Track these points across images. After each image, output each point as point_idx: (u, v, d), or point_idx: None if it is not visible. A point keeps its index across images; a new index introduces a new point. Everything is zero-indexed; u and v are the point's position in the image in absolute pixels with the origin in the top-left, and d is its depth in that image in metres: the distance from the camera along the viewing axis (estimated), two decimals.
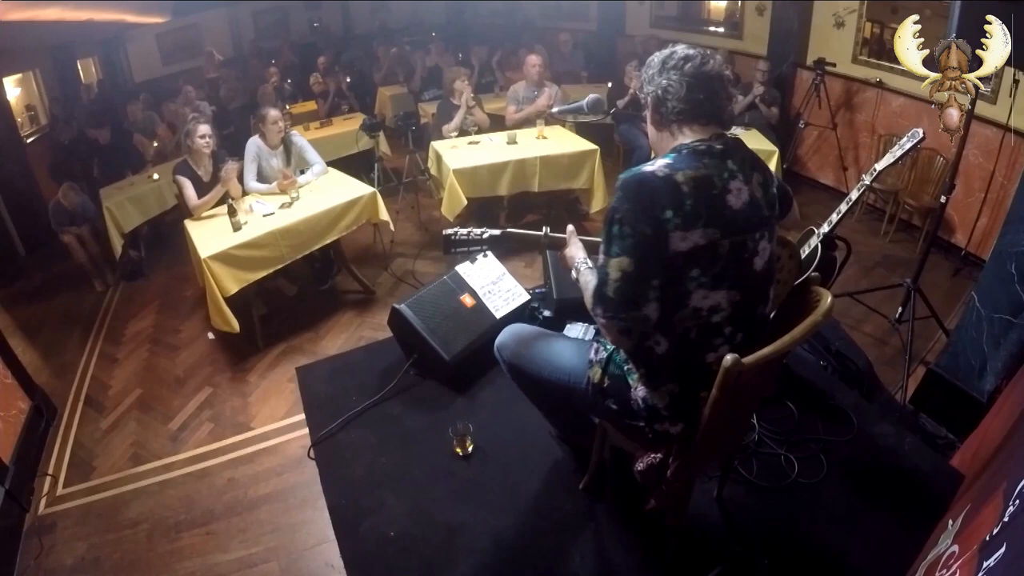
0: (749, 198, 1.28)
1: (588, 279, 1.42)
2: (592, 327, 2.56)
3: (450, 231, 1.77)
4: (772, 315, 1.51)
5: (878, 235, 4.09)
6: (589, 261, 1.52)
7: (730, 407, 1.33)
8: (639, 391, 1.42)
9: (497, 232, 1.76)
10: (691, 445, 1.43)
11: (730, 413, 1.38)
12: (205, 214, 3.25)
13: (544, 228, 1.74)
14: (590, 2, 7.13)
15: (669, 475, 1.47)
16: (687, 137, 1.32)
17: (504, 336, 1.84)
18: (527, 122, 4.37)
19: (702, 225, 1.22)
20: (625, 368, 1.46)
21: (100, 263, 4.26)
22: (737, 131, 4.35)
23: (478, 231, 1.75)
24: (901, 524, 1.84)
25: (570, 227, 1.67)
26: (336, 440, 2.42)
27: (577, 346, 1.68)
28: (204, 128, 3.29)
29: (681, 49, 1.31)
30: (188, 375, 3.12)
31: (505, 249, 3.77)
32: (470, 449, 2.22)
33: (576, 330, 2.66)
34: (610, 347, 1.51)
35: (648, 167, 1.25)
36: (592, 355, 1.56)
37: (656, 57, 1.34)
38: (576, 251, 1.58)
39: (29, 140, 5.42)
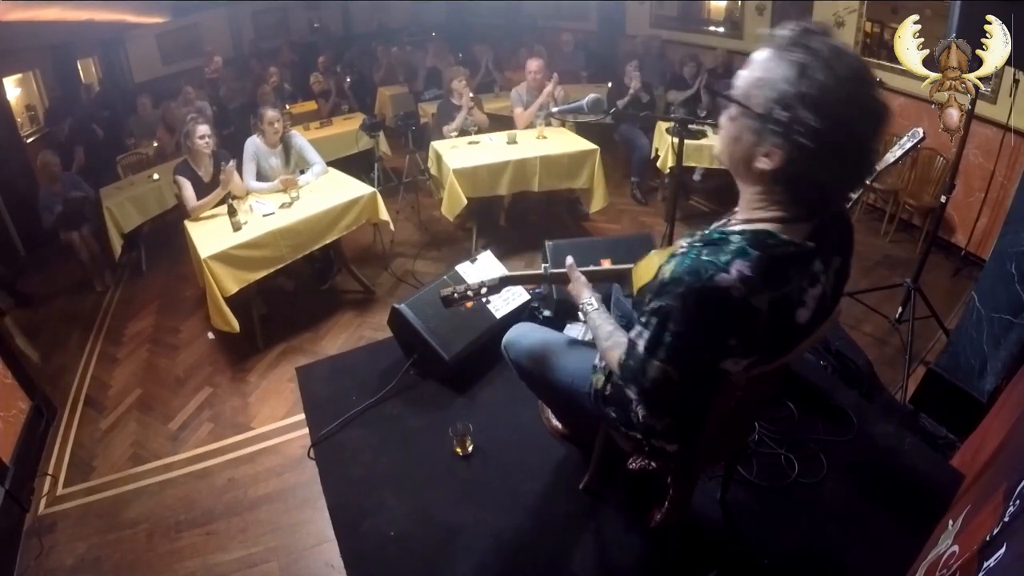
0: (817, 303, 1.04)
1: (606, 333, 1.31)
2: None
3: (446, 292, 1.70)
4: None
5: (878, 235, 4.09)
6: (595, 302, 1.43)
7: (733, 414, 1.33)
8: (639, 408, 1.33)
9: (496, 280, 1.70)
10: (688, 460, 1.43)
11: (733, 420, 1.38)
12: (205, 214, 3.26)
13: (543, 266, 1.71)
14: (590, 2, 7.13)
15: (668, 485, 1.47)
16: (785, 213, 1.00)
17: (512, 334, 1.84)
18: (537, 116, 4.36)
19: (762, 351, 1.08)
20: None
21: (100, 263, 4.26)
22: None
23: (474, 285, 1.69)
24: (901, 524, 1.84)
25: (569, 260, 1.58)
26: (336, 440, 2.42)
27: (583, 350, 1.68)
28: (203, 128, 3.29)
29: (850, 63, 0.88)
30: (188, 375, 3.12)
31: (505, 249, 3.78)
32: (470, 449, 2.22)
33: (576, 330, 2.66)
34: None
35: (721, 273, 0.94)
36: (597, 361, 1.56)
37: (833, 89, 0.87)
38: (580, 289, 1.50)
39: (29, 140, 5.42)
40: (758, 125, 0.94)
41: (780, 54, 0.91)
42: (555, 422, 2.22)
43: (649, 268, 1.42)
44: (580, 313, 1.45)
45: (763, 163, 0.96)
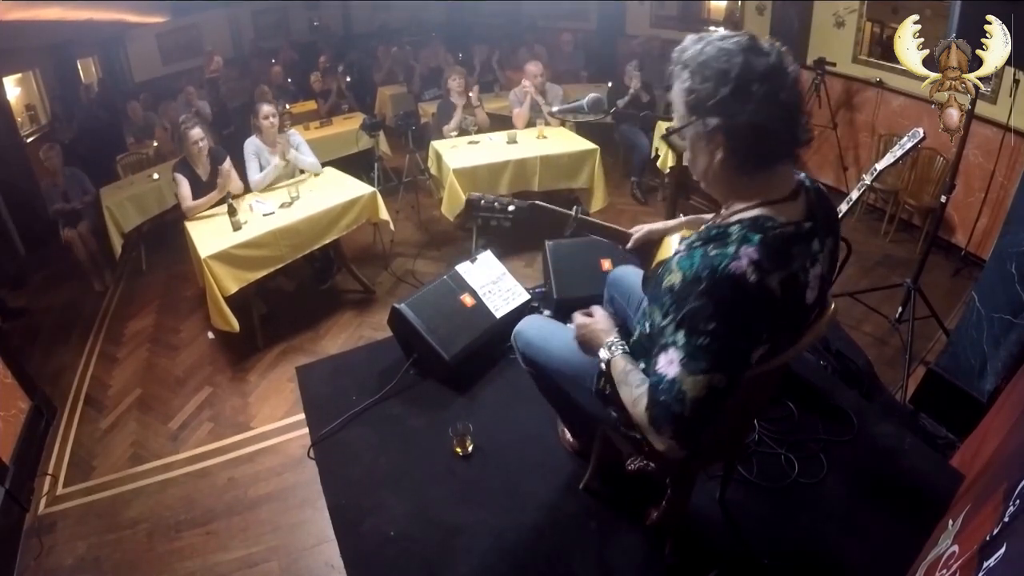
0: (819, 283, 1.07)
1: (634, 380, 1.14)
2: None
3: (475, 195, 1.65)
4: None
5: (878, 235, 4.09)
6: (622, 343, 1.24)
7: (733, 415, 1.34)
8: (670, 441, 1.28)
9: (524, 204, 1.63)
10: (687, 461, 1.43)
11: (733, 420, 1.38)
12: (205, 213, 3.26)
13: (575, 208, 1.64)
14: (590, 2, 7.13)
15: (667, 485, 1.47)
16: (771, 194, 1.03)
17: (523, 325, 1.81)
18: (533, 116, 4.36)
19: (780, 336, 1.09)
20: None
21: (100, 262, 4.26)
22: None
23: (504, 199, 1.64)
24: (901, 524, 1.84)
25: (598, 311, 1.35)
26: (336, 440, 2.42)
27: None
28: (196, 132, 3.28)
29: (758, 58, 0.95)
30: (188, 375, 3.12)
31: (505, 249, 3.78)
32: (470, 449, 2.22)
33: None
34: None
35: (733, 262, 0.96)
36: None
37: (714, 62, 0.96)
38: (604, 324, 1.31)
39: (29, 140, 5.42)
40: (698, 128, 1.01)
41: (685, 64, 1.01)
42: (569, 436, 2.19)
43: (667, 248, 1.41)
44: (601, 351, 1.25)
45: (719, 154, 1.01)
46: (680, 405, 1.00)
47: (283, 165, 3.53)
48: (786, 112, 0.97)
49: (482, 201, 1.64)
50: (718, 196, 1.11)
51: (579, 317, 1.36)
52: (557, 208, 1.67)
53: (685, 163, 1.16)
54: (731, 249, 0.97)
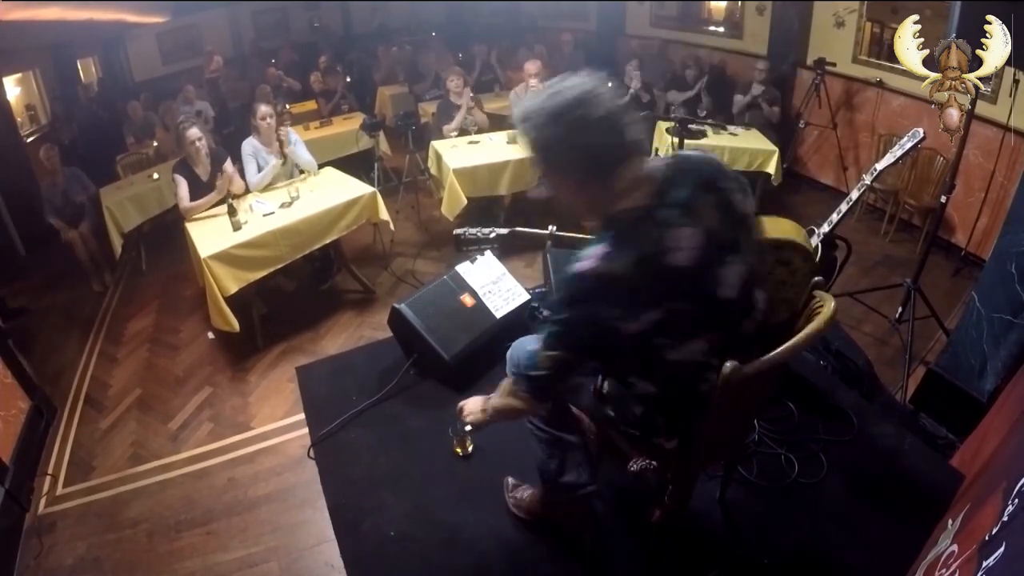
0: (704, 239, 1.13)
1: (505, 383, 1.46)
2: None
3: (460, 231, 1.85)
4: (784, 317, 1.49)
5: (878, 235, 4.09)
6: (488, 396, 1.56)
7: (731, 413, 1.34)
8: (636, 406, 1.40)
9: (504, 231, 1.85)
10: (687, 458, 1.43)
11: (731, 418, 1.39)
12: (205, 214, 3.26)
13: (551, 227, 1.80)
14: (590, 2, 7.12)
15: (668, 482, 1.47)
16: (621, 184, 1.14)
17: (515, 345, 1.81)
18: None
19: (653, 305, 1.12)
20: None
21: (100, 262, 4.26)
22: (737, 130, 4.36)
23: (486, 230, 1.85)
24: (901, 524, 1.84)
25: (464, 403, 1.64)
26: (336, 440, 2.42)
27: None
28: (193, 132, 3.29)
29: (568, 91, 1.11)
30: (188, 375, 3.12)
31: (505, 249, 3.77)
32: (470, 449, 2.22)
33: None
34: None
35: (579, 263, 1.11)
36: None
37: (538, 113, 1.13)
38: (471, 404, 1.60)
39: (29, 140, 5.42)
40: (546, 169, 1.18)
41: (522, 122, 1.16)
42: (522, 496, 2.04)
43: None
44: (489, 411, 1.53)
45: (572, 181, 1.17)
46: (535, 370, 1.25)
47: (281, 163, 3.53)
48: (605, 125, 1.09)
49: (466, 234, 1.84)
50: (592, 217, 1.21)
51: (462, 414, 1.62)
52: (535, 231, 1.89)
53: None
54: (582, 255, 1.13)
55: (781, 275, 1.74)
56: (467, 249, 1.88)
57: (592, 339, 1.17)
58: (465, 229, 1.83)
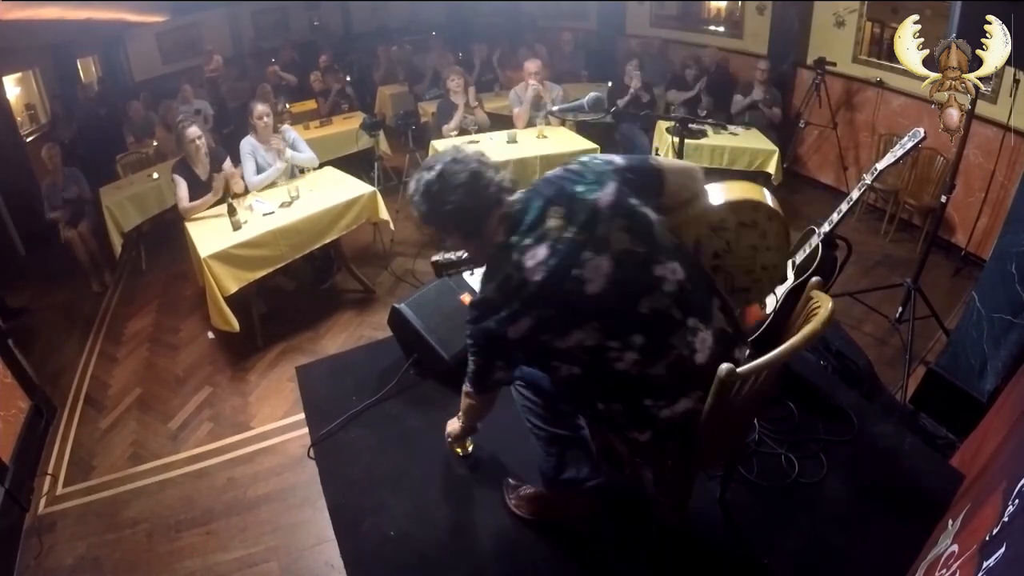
0: (549, 252, 1.28)
1: (463, 399, 1.69)
2: None
3: (436, 257, 2.04)
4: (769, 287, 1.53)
5: (878, 235, 4.09)
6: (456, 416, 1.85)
7: (728, 414, 1.33)
8: (599, 405, 1.44)
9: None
10: (667, 452, 1.44)
11: (729, 419, 1.38)
12: (205, 213, 3.26)
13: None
14: (590, 2, 7.12)
15: (665, 481, 1.47)
16: (490, 228, 1.37)
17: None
18: (536, 115, 4.35)
19: (524, 314, 1.29)
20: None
21: (100, 262, 4.26)
22: (737, 130, 4.36)
23: (460, 253, 1.93)
24: (901, 524, 1.84)
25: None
26: (336, 440, 2.42)
27: None
28: (192, 131, 3.29)
29: (430, 171, 1.35)
30: (188, 374, 3.12)
31: None
32: (470, 449, 2.22)
33: None
34: None
35: (474, 296, 1.40)
36: None
37: (415, 193, 1.40)
38: (451, 425, 1.91)
39: (29, 139, 5.42)
40: (433, 229, 1.46)
41: (412, 198, 1.44)
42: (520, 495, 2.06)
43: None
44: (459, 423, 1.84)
45: (455, 238, 1.48)
46: (471, 374, 1.52)
47: (283, 168, 3.53)
48: (463, 192, 1.32)
49: (442, 260, 2.06)
50: (483, 257, 1.44)
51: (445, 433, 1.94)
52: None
53: None
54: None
55: (750, 239, 1.67)
56: (447, 273, 1.97)
57: (491, 346, 1.40)
58: (441, 254, 2.02)
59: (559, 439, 1.68)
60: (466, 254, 1.84)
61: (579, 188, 1.33)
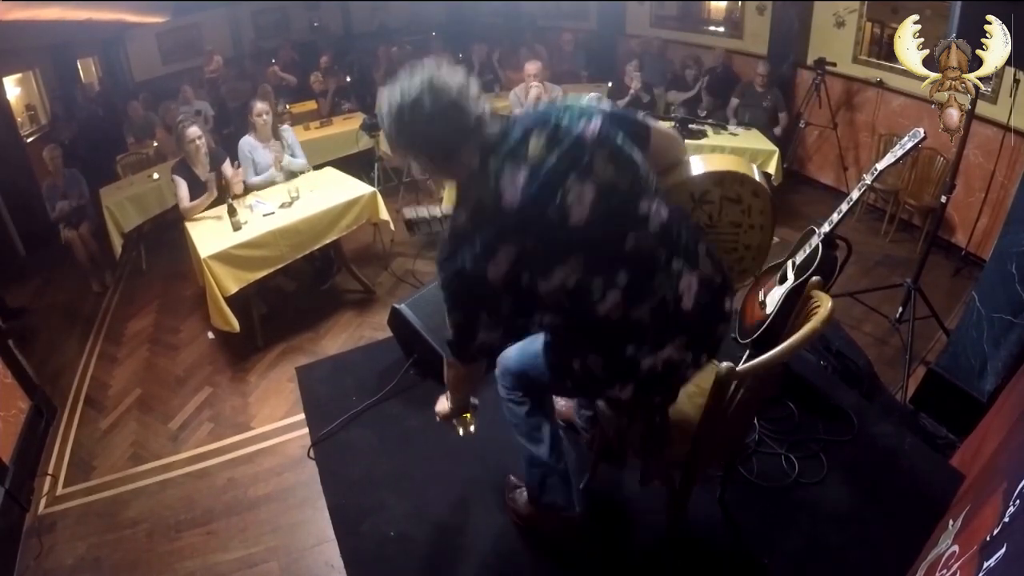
0: (529, 176, 1.17)
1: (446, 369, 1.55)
2: None
3: (410, 215, 1.83)
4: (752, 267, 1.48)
5: (878, 235, 4.09)
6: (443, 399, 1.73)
7: (726, 413, 1.33)
8: (575, 363, 1.37)
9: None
10: (652, 407, 1.42)
11: (728, 418, 1.38)
12: (205, 214, 3.26)
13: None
14: (590, 2, 7.12)
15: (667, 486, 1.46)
16: (466, 157, 1.24)
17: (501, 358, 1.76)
18: None
19: (501, 244, 1.18)
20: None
21: (100, 262, 4.26)
22: (737, 130, 4.36)
23: (432, 208, 1.87)
24: (901, 524, 1.84)
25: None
26: (336, 440, 2.42)
27: (530, 341, 1.63)
28: (193, 131, 3.30)
29: (408, 90, 1.18)
30: (188, 375, 3.12)
31: None
32: (472, 429, 1.84)
33: None
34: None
35: (443, 232, 1.27)
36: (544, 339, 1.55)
37: (385, 110, 1.22)
38: (440, 404, 1.75)
39: (29, 140, 5.42)
40: (399, 151, 1.28)
41: (380, 116, 1.26)
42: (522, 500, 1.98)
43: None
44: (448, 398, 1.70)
45: (421, 163, 1.33)
46: (452, 340, 1.36)
47: (278, 175, 3.56)
48: (442, 117, 1.17)
49: (415, 217, 1.90)
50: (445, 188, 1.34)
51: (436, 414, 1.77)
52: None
53: None
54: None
55: (733, 216, 1.60)
56: (419, 231, 1.89)
57: (468, 292, 1.25)
58: (413, 210, 1.85)
59: (537, 462, 1.71)
60: (441, 199, 1.76)
61: (564, 119, 1.23)
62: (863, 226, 4.21)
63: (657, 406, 1.44)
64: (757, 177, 1.61)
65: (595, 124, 1.23)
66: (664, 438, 1.49)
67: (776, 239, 1.78)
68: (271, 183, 3.54)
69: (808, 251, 2.32)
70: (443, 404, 1.72)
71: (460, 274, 1.22)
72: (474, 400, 1.78)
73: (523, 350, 1.64)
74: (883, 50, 4.11)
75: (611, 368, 1.33)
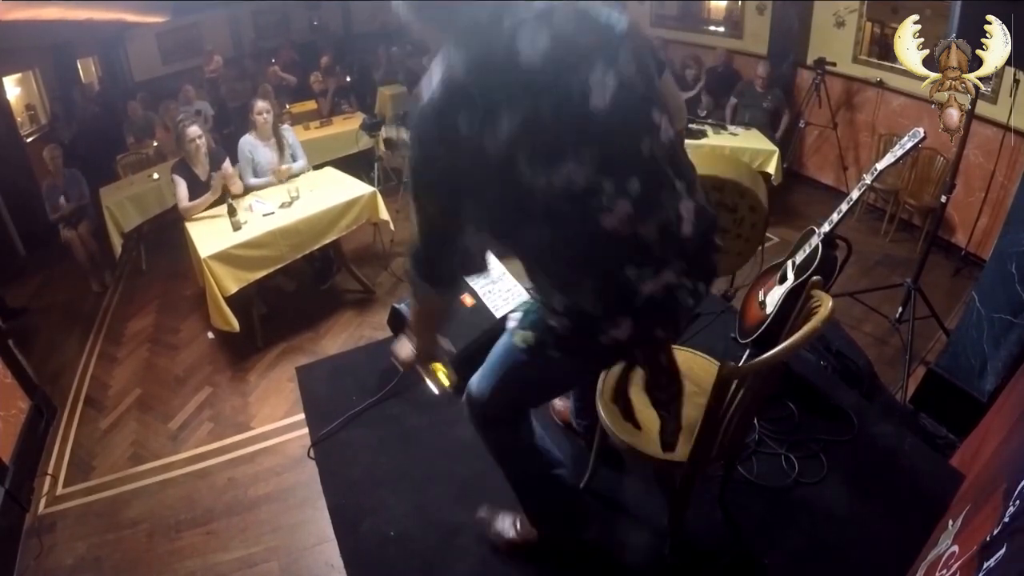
0: (551, 40, 1.01)
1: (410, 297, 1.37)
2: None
3: (388, 134, 1.70)
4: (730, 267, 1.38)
5: (878, 235, 4.09)
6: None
7: (727, 412, 1.33)
8: (558, 304, 1.20)
9: None
10: (655, 345, 1.29)
11: (728, 416, 1.38)
12: (205, 214, 3.26)
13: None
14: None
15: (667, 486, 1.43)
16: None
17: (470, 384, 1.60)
18: None
19: (508, 109, 0.99)
20: (539, 302, 1.30)
21: (99, 262, 4.26)
22: (737, 130, 4.36)
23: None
24: (901, 524, 1.84)
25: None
26: (336, 440, 2.42)
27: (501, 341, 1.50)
28: (193, 130, 3.30)
29: None
30: (188, 375, 3.12)
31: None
32: (447, 383, 1.62)
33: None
34: (522, 307, 1.43)
35: (426, 91, 1.03)
36: (512, 325, 1.42)
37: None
38: (401, 349, 1.50)
39: (29, 140, 5.42)
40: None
41: None
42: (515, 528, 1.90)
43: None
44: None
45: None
46: (417, 247, 1.15)
47: (276, 181, 3.56)
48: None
49: (394, 138, 1.76)
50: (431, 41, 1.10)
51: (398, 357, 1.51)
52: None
53: None
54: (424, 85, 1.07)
55: (723, 222, 1.53)
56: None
57: (452, 171, 1.03)
58: (395, 129, 1.73)
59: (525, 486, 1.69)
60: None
61: (593, 8, 1.09)
62: (863, 226, 4.22)
63: (660, 342, 1.28)
64: (761, 197, 1.55)
65: (624, 22, 1.10)
66: (677, 380, 1.36)
67: (775, 239, 1.77)
68: (270, 184, 3.54)
69: (808, 251, 2.32)
70: (405, 347, 1.43)
71: (445, 143, 1.00)
72: (448, 345, 1.53)
73: (485, 368, 1.51)
74: (883, 50, 4.11)
75: (606, 297, 1.14)
